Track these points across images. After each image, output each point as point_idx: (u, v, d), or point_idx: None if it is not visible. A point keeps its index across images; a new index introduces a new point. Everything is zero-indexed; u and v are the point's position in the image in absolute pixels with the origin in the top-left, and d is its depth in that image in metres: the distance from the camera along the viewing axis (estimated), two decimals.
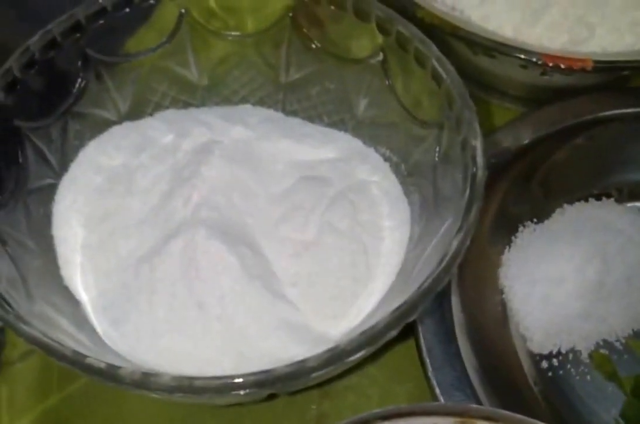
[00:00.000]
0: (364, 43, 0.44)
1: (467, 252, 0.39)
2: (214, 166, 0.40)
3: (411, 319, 0.33)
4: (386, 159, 0.45)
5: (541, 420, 0.39)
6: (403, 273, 0.39)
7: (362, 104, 0.45)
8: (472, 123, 0.38)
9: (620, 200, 0.50)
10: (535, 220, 0.48)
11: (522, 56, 0.43)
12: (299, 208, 0.41)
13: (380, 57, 0.44)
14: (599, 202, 0.50)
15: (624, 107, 0.49)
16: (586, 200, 0.50)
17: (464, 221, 0.35)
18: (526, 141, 0.48)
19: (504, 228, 0.48)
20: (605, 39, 0.48)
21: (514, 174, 0.48)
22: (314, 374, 0.31)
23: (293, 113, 0.47)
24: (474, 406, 0.29)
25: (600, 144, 0.49)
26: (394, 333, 0.33)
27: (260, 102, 0.47)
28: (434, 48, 0.41)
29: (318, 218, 0.41)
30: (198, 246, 0.37)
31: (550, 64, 0.43)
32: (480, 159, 0.36)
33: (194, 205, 0.39)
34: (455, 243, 0.34)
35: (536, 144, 0.49)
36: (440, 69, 0.40)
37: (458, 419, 0.28)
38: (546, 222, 0.48)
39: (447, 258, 0.34)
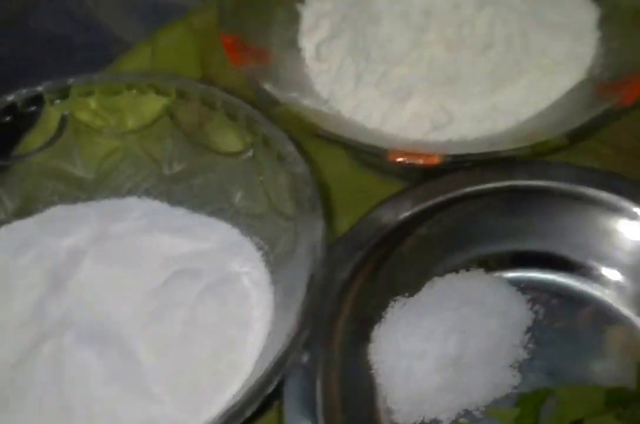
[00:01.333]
0: (236, 140, 0.48)
1: (335, 331, 0.43)
2: (88, 267, 0.44)
3: (249, 413, 0.37)
4: (260, 248, 0.48)
5: None
6: (260, 363, 0.43)
7: (238, 195, 0.49)
8: (316, 224, 0.41)
9: (488, 270, 0.54)
10: (407, 294, 0.52)
11: (372, 151, 0.46)
12: (168, 304, 0.44)
13: (250, 153, 0.47)
14: (468, 273, 0.53)
15: (486, 182, 0.53)
16: (457, 271, 0.53)
17: (298, 322, 0.38)
18: (400, 217, 0.52)
19: (375, 304, 0.51)
20: (464, 125, 0.52)
21: (385, 248, 0.52)
22: None
23: (179, 203, 0.51)
24: None
25: (462, 218, 0.53)
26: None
27: (147, 193, 0.51)
28: (292, 148, 0.45)
29: (185, 313, 0.44)
30: (66, 351, 0.41)
31: (398, 160, 0.46)
32: (317, 262, 0.40)
33: (66, 308, 0.42)
34: (287, 341, 0.37)
35: (408, 219, 0.52)
36: (295, 170, 0.44)
37: None
38: (416, 295, 0.52)
39: (279, 355, 0.37)
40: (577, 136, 0.48)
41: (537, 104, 0.53)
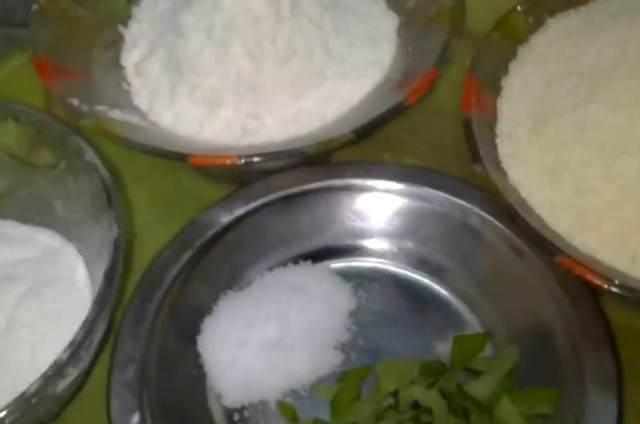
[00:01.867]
0: (50, 154, 0.51)
1: (161, 325, 0.46)
2: None
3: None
4: (80, 252, 0.51)
5: None
6: None
7: (59, 205, 0.52)
8: (116, 224, 0.45)
9: (316, 262, 0.58)
10: (236, 288, 0.56)
11: (175, 157, 0.50)
12: None
13: (63, 165, 0.51)
14: (295, 266, 0.57)
15: (310, 181, 0.57)
16: (286, 264, 0.57)
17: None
18: (226, 218, 0.56)
19: (207, 299, 0.54)
20: (273, 130, 0.56)
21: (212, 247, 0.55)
22: None
23: (8, 216, 0.54)
24: None
25: (286, 216, 0.57)
26: None
27: None
28: (95, 158, 0.48)
29: (7, 315, 0.47)
30: None
31: (200, 163, 0.50)
32: (116, 257, 0.43)
33: None
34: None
35: (234, 219, 0.56)
36: (99, 177, 0.48)
37: None
38: (245, 289, 0.56)
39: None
40: (364, 132, 0.52)
41: (340, 107, 0.57)
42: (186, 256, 0.54)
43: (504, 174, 0.51)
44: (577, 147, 0.50)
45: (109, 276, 0.43)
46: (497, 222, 0.53)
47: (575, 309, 0.49)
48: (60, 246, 0.52)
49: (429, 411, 0.48)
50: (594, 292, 0.50)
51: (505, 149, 0.52)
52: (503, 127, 0.53)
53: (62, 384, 0.41)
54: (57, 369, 0.39)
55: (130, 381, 0.49)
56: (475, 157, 0.50)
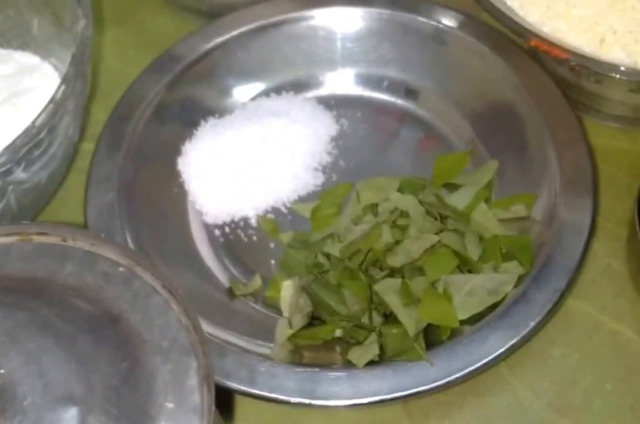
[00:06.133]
0: None
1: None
2: None
3: None
4: (56, 68, 0.51)
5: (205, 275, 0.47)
6: None
7: (35, 24, 0.52)
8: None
9: (298, 92, 0.57)
10: (217, 115, 0.55)
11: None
12: None
13: None
14: (278, 96, 0.57)
15: (285, 13, 0.56)
16: (268, 95, 0.57)
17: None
18: (206, 46, 0.55)
19: (187, 123, 0.54)
20: None
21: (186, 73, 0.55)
22: None
23: None
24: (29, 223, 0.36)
25: (269, 43, 0.56)
26: None
27: None
28: None
29: None
30: None
31: None
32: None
33: None
34: None
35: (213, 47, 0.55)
36: None
37: (18, 238, 0.34)
38: (227, 116, 0.55)
39: None
40: None
41: None
42: (164, 81, 0.54)
43: None
44: None
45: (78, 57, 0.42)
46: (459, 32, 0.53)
47: (546, 110, 0.49)
48: (37, 63, 0.51)
49: (407, 216, 0.48)
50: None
51: None
52: None
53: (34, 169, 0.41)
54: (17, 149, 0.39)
55: (109, 199, 0.49)
56: None
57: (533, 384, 0.44)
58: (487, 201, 0.50)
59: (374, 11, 0.55)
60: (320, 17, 0.56)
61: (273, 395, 0.41)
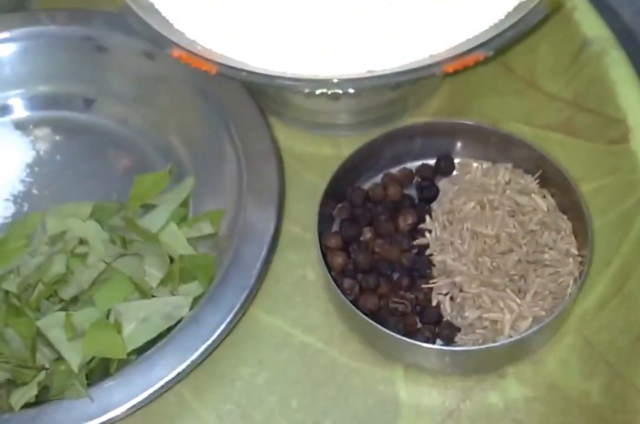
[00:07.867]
0: None
1: None
2: None
3: None
4: None
5: None
6: None
7: None
8: None
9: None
10: None
11: None
12: None
13: None
14: None
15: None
16: None
17: None
18: None
19: None
20: None
21: None
22: None
23: None
24: None
25: None
26: None
27: None
28: None
29: None
30: None
31: None
32: None
33: None
34: None
35: None
36: None
37: None
38: None
39: None
40: None
41: None
42: None
43: None
44: None
45: None
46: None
47: (238, 119, 0.48)
48: None
49: (87, 243, 0.45)
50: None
51: None
52: None
53: None
54: None
55: None
56: None
57: (217, 408, 0.42)
58: (184, 219, 0.48)
59: (33, 30, 0.52)
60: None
61: None
